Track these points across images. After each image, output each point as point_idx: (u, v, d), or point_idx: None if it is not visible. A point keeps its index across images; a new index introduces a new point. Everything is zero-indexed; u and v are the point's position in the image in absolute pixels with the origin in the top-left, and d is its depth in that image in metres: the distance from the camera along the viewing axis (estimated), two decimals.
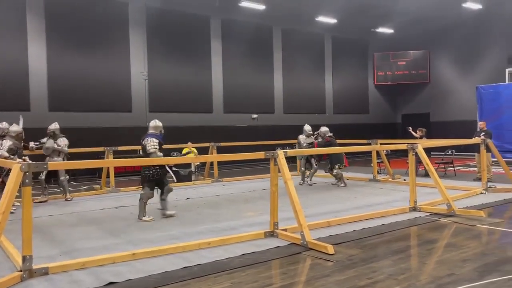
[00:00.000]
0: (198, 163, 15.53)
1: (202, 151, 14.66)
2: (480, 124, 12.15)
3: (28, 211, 4.57)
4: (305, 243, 5.45)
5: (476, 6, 18.32)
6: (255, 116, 19.47)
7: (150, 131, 7.67)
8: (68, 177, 9.96)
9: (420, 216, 7.22)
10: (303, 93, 20.95)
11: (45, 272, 4.58)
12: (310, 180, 11.64)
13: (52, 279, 4.49)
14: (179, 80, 17.36)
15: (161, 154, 7.52)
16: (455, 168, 13.32)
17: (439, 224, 6.75)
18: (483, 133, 11.31)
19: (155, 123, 7.77)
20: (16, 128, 8.85)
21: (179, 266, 4.79)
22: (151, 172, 7.25)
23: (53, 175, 9.58)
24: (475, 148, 11.11)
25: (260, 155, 6.32)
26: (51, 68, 14.78)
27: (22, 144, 9.04)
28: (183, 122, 17.37)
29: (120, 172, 14.34)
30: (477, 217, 6.95)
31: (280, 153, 6.10)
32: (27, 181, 4.54)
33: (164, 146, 14.65)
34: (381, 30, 22.49)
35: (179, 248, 5.37)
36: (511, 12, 18.34)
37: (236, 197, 9.93)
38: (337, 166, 11.14)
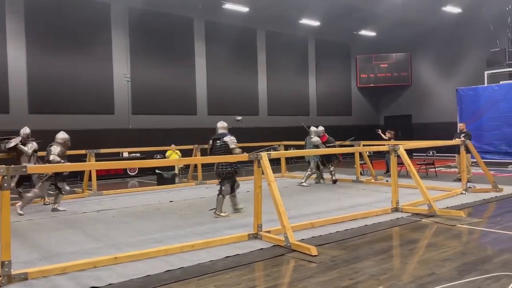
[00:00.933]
0: (181, 166, 15.47)
1: (186, 153, 14.59)
2: (460, 126, 12.36)
3: (6, 215, 4.47)
4: (289, 244, 5.47)
5: (456, 10, 18.71)
6: (239, 118, 19.45)
7: (222, 131, 8.07)
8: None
9: (402, 217, 7.31)
10: (287, 95, 21.05)
11: (24, 277, 4.49)
12: (305, 181, 11.65)
13: (31, 284, 4.40)
14: (162, 82, 17.25)
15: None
16: (436, 169, 13.54)
17: (420, 224, 6.85)
18: (463, 135, 11.51)
19: (223, 124, 8.22)
20: (63, 135, 8.97)
21: (161, 270, 4.75)
22: (233, 168, 7.69)
23: (25, 180, 9.32)
24: (455, 149, 11.31)
25: (244, 157, 6.32)
26: (31, 69, 14.52)
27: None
28: (166, 124, 17.26)
29: (103, 175, 14.19)
30: (457, 217, 7.07)
31: (264, 155, 6.10)
32: (5, 185, 4.44)
33: (147, 149, 14.64)
34: (363, 33, 22.75)
35: (162, 252, 5.32)
36: (490, 16, 18.75)
37: None
38: (335, 163, 11.76)
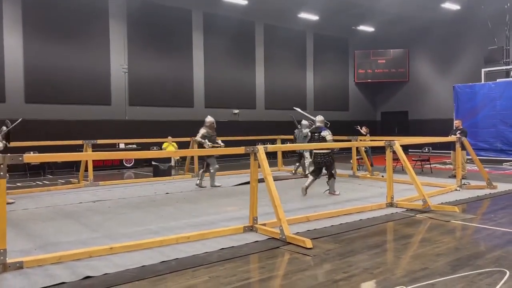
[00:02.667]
0: (178, 158, 15.46)
1: (183, 145, 14.59)
2: (456, 123, 12.41)
3: (2, 204, 4.47)
4: (284, 237, 5.49)
5: (455, 7, 18.70)
6: (236, 111, 19.45)
7: (319, 124, 9.01)
8: None
9: (396, 212, 7.36)
10: (284, 89, 21.04)
11: (19, 266, 4.50)
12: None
13: (27, 273, 4.41)
14: (159, 73, 17.20)
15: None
16: (432, 165, 13.60)
17: (414, 219, 6.89)
18: (458, 132, 11.55)
19: (320, 117, 9.12)
20: (208, 118, 10.51)
21: (156, 261, 4.77)
22: (331, 157, 8.90)
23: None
24: (451, 146, 11.37)
25: (241, 150, 6.33)
26: (28, 59, 14.45)
27: (215, 132, 10.55)
28: (163, 116, 17.23)
29: (99, 166, 14.17)
30: (451, 213, 7.12)
31: (260, 148, 6.11)
32: (1, 173, 4.43)
33: (144, 140, 14.63)
34: (362, 28, 22.72)
35: (157, 243, 5.34)
36: (488, 13, 18.76)
37: (216, 192, 9.93)
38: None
